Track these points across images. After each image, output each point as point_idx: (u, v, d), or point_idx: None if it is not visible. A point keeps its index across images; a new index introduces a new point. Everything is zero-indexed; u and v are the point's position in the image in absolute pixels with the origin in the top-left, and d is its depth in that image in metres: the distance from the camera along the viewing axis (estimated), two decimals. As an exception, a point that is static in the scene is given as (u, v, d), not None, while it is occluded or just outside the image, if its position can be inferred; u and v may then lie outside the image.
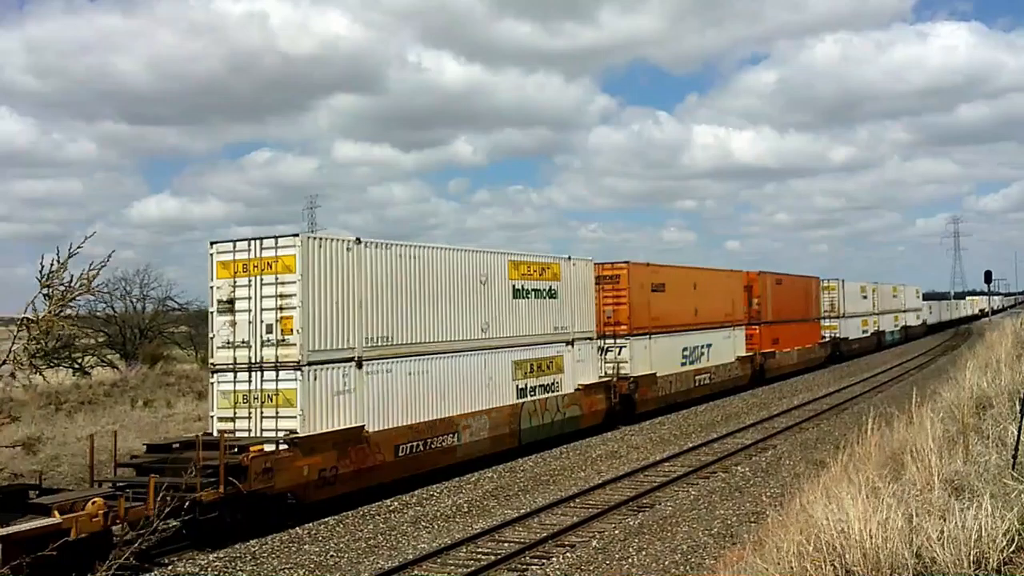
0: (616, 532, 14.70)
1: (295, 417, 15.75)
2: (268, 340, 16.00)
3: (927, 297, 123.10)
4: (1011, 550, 6.56)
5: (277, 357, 15.90)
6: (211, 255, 16.79)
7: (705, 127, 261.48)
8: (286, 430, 15.73)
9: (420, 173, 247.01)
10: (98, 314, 44.46)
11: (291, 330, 15.85)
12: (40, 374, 9.32)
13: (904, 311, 74.63)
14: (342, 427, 16.50)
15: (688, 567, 12.72)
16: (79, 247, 5.86)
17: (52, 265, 4.78)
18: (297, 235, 16.03)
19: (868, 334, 60.92)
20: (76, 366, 42.31)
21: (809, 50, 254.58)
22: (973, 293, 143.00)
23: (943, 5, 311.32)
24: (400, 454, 17.88)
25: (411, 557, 13.43)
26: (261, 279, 16.22)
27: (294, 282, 15.94)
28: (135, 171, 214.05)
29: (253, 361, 16.15)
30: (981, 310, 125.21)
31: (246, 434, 16.01)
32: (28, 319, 4.71)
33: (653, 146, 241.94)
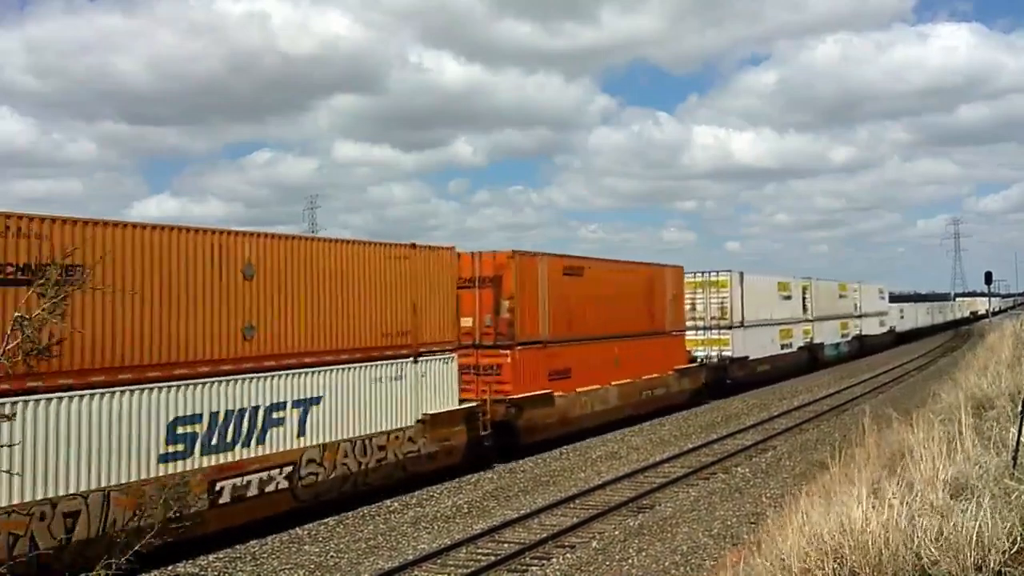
0: (616, 533, 14.69)
1: None
2: None
3: (919, 299, 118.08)
4: (1012, 551, 6.56)
5: None
6: None
7: (705, 127, 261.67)
8: None
9: (420, 173, 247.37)
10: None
11: None
12: (34, 372, 9.32)
13: (859, 316, 59.24)
14: None
15: (688, 568, 12.72)
16: (75, 247, 5.89)
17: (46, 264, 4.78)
18: None
19: (792, 349, 44.62)
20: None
21: (809, 50, 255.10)
22: (974, 294, 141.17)
23: (943, 6, 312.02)
24: None
25: (411, 558, 13.42)
26: None
27: None
28: (135, 171, 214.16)
29: None
30: (973, 312, 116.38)
31: None
32: (23, 317, 4.70)
33: (653, 146, 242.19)
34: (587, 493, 17.75)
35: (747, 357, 38.44)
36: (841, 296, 55.67)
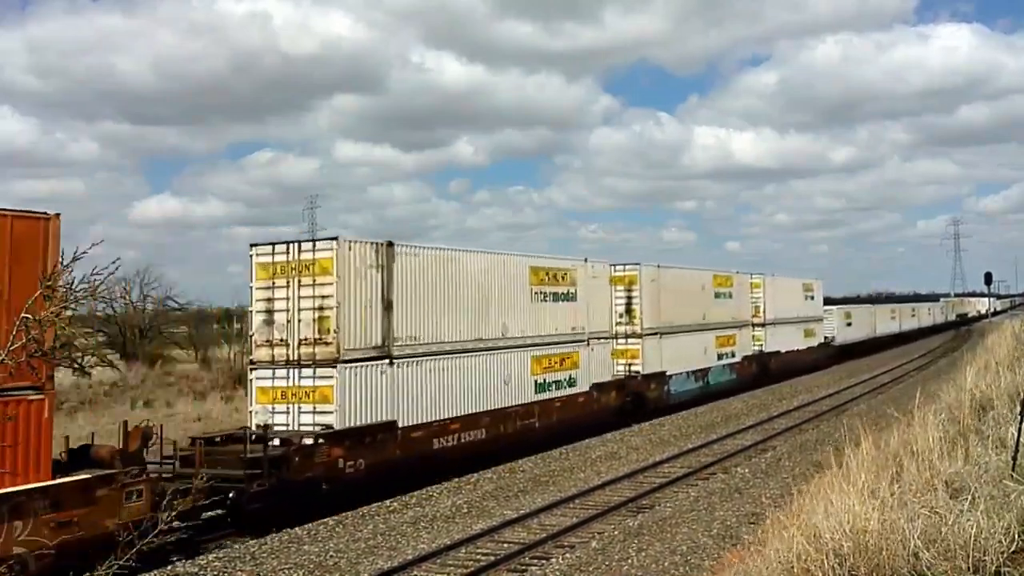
0: (616, 533, 14.69)
1: None
2: None
3: (918, 299, 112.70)
4: (1011, 551, 6.56)
5: None
6: None
7: (706, 128, 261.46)
8: None
9: (420, 173, 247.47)
10: (98, 313, 44.56)
11: None
12: (37, 375, 9.33)
13: (762, 325, 40.95)
14: None
15: (688, 568, 12.72)
16: (85, 251, 5.86)
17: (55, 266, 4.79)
18: None
19: (573, 390, 24.44)
20: (76, 365, 42.36)
21: (810, 51, 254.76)
22: (973, 294, 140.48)
23: (944, 6, 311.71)
24: None
25: (411, 557, 13.43)
26: None
27: None
28: (136, 171, 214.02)
29: None
30: (961, 316, 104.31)
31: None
32: (27, 318, 4.71)
33: (654, 146, 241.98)
34: (587, 493, 17.75)
35: (394, 423, 17.90)
36: (720, 295, 35.85)
